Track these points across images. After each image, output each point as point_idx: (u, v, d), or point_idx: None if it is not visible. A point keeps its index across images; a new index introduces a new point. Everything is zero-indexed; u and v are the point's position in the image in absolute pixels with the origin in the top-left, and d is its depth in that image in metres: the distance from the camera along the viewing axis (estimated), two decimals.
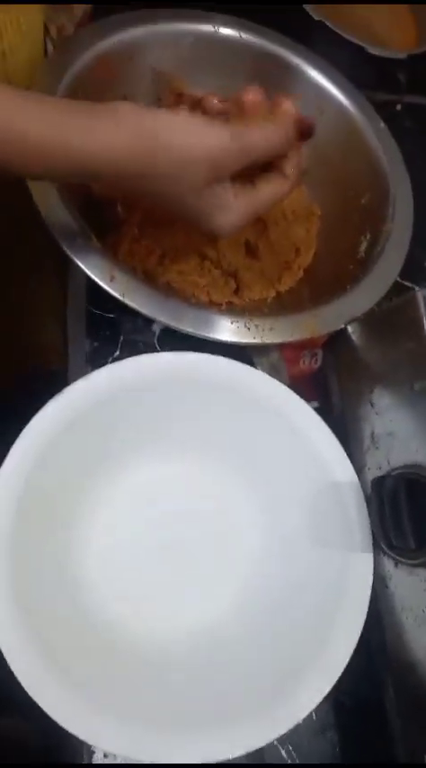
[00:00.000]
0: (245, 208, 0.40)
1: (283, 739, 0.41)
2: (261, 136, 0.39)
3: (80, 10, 0.56)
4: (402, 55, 0.67)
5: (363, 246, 0.49)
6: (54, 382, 0.47)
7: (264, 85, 0.54)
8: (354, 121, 0.53)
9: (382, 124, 0.53)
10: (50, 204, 0.42)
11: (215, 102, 0.42)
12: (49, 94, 0.44)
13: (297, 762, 0.41)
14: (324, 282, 0.49)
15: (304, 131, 0.41)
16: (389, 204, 0.49)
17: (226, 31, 0.52)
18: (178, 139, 0.36)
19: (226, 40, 0.52)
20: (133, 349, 0.48)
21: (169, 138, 0.36)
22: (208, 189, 0.38)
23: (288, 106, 0.42)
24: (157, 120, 0.36)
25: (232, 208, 0.40)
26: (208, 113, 0.42)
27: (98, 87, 0.48)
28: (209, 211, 0.39)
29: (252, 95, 0.41)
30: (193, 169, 0.37)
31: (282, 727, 0.35)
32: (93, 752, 0.39)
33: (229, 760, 0.34)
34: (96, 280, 0.40)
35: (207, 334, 0.41)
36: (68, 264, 0.48)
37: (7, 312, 0.66)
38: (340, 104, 0.53)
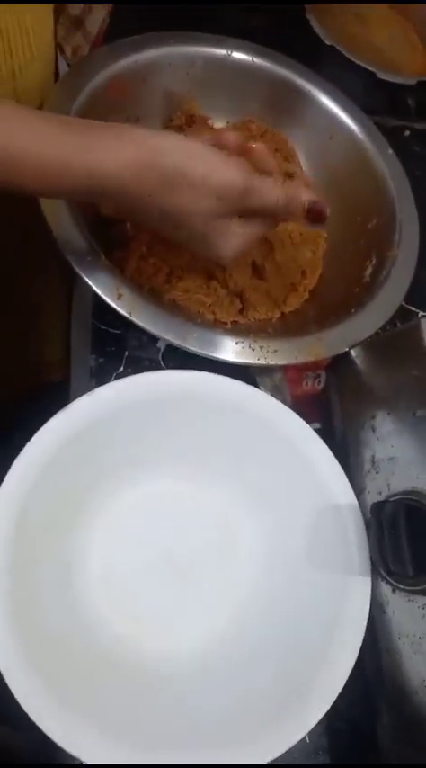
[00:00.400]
0: (248, 236, 0.41)
1: (276, 762, 0.41)
2: (269, 191, 0.39)
3: (95, 27, 0.57)
4: (411, 81, 0.68)
5: (369, 271, 0.49)
6: (57, 395, 0.48)
7: (275, 110, 0.55)
8: (363, 148, 0.53)
9: (390, 150, 0.53)
10: (61, 221, 0.42)
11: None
12: (62, 113, 0.45)
13: None
14: (330, 305, 0.49)
15: (314, 217, 0.42)
16: (396, 230, 0.49)
17: (238, 55, 0.53)
18: (200, 169, 0.36)
19: (238, 64, 0.53)
20: (137, 365, 0.48)
21: (191, 166, 0.36)
22: (219, 220, 0.39)
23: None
24: (174, 144, 0.37)
25: (238, 237, 0.40)
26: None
27: (111, 108, 0.49)
28: (215, 240, 0.40)
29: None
30: (208, 200, 0.37)
31: (281, 747, 0.35)
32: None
33: None
34: (104, 298, 0.41)
35: (211, 354, 0.42)
36: (74, 279, 0.49)
37: (10, 325, 0.66)
38: (349, 130, 0.54)
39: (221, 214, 0.39)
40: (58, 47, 0.52)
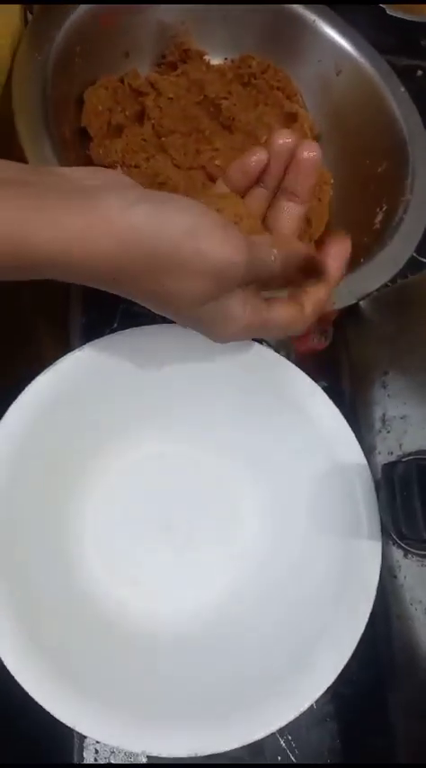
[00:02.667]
0: (253, 322, 0.32)
1: (282, 729, 0.40)
2: (268, 256, 0.31)
3: None
4: (424, 19, 0.64)
5: (379, 218, 0.46)
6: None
7: (277, 43, 0.51)
8: (373, 84, 0.49)
9: (402, 88, 0.49)
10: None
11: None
12: (43, 44, 0.41)
13: (296, 751, 0.40)
14: None
15: (310, 271, 0.33)
16: (408, 174, 0.46)
17: None
18: (194, 245, 0.28)
19: None
20: (133, 321, 0.45)
21: (182, 244, 0.27)
22: (212, 301, 0.31)
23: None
24: (158, 215, 0.27)
25: (238, 318, 0.32)
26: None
27: (98, 42, 0.45)
28: (211, 321, 0.32)
29: (257, 159, 0.33)
30: (203, 282, 0.29)
31: (283, 719, 0.33)
32: (85, 737, 0.37)
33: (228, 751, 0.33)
34: None
35: None
36: None
37: (9, 317, 0.62)
38: (358, 66, 0.50)
39: (218, 296, 0.30)
40: None
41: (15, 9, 0.44)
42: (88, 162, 0.46)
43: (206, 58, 0.50)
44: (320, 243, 0.49)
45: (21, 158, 0.39)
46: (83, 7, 0.44)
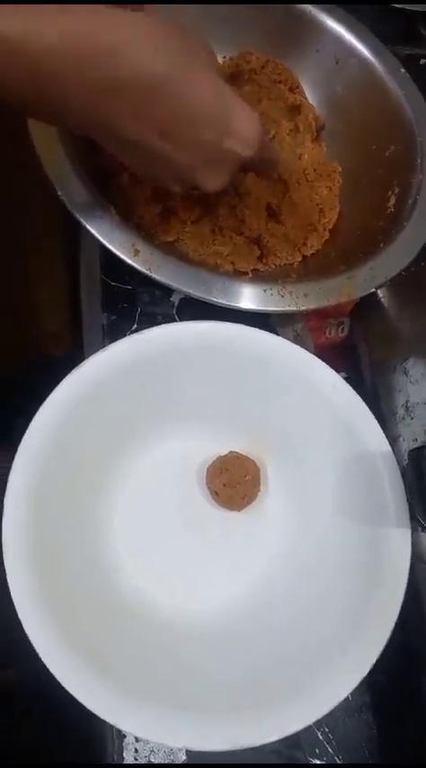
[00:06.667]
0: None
1: (319, 721, 0.40)
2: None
3: None
4: (425, 8, 0.63)
5: (392, 201, 0.45)
6: (60, 369, 0.45)
7: (275, 36, 0.51)
8: (373, 69, 0.48)
9: (403, 70, 0.48)
10: (64, 175, 0.39)
11: None
12: None
13: (334, 743, 0.40)
14: (352, 242, 0.46)
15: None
16: (417, 154, 0.45)
17: None
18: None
19: None
20: (151, 321, 0.46)
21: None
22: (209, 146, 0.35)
23: None
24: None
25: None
26: None
27: None
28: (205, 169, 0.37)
29: None
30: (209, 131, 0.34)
31: (318, 712, 0.33)
32: (124, 736, 0.38)
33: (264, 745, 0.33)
34: (121, 256, 0.38)
35: (239, 305, 0.39)
36: (79, 238, 0.46)
37: (7, 296, 0.63)
38: (357, 52, 0.49)
39: (213, 149, 0.35)
40: None
41: None
42: (99, 168, 0.46)
43: None
44: (333, 232, 0.49)
45: (35, 165, 0.39)
46: None
